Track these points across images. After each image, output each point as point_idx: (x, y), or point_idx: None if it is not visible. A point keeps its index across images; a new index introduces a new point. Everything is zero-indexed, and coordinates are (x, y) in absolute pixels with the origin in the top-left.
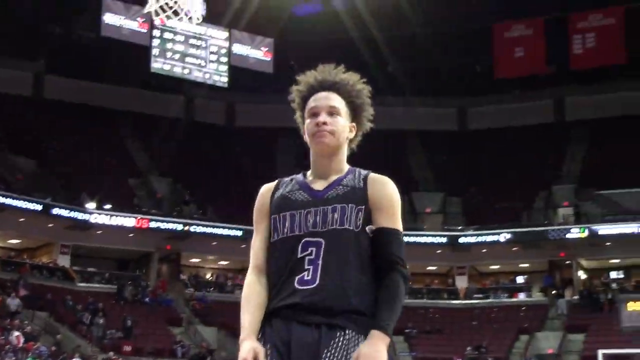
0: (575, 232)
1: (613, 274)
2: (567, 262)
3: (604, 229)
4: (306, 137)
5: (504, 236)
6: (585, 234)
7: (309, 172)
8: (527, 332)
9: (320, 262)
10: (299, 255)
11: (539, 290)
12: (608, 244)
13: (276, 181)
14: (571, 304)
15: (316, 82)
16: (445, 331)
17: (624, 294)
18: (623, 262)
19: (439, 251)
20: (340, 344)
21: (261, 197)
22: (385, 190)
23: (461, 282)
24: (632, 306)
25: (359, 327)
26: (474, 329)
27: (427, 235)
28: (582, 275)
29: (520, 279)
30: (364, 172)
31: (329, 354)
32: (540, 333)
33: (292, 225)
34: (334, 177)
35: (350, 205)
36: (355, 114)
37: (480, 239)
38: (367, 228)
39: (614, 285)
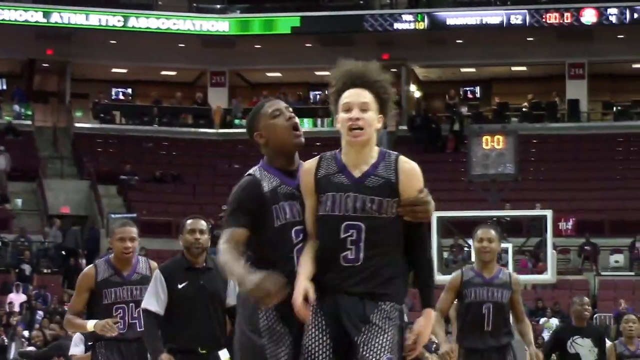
0: (409, 21)
1: (464, 90)
2: (393, 69)
3: (454, 17)
4: (339, 126)
5: (290, 24)
6: (425, 23)
7: (343, 154)
8: None
9: (362, 243)
10: (342, 236)
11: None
12: (460, 41)
13: (317, 159)
14: (396, 138)
15: (349, 78)
16: (187, 179)
17: (480, 124)
18: (481, 71)
19: (181, 45)
20: (382, 311)
21: (304, 176)
22: (414, 181)
23: (218, 98)
24: (489, 142)
25: (395, 298)
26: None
27: (162, 17)
28: (415, 92)
29: (315, 93)
30: (392, 157)
31: (374, 317)
32: None
33: (333, 206)
34: (366, 166)
35: (386, 199)
36: (383, 107)
37: (250, 27)
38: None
39: (464, 110)
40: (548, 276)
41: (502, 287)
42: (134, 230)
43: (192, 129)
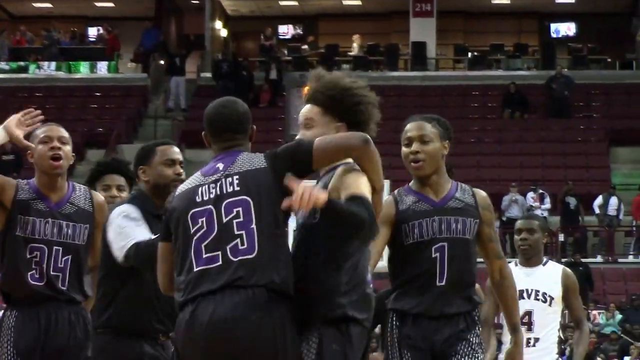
0: None
1: (283, 30)
2: (195, 1)
3: None
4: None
5: None
6: None
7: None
8: (102, 144)
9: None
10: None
11: (132, 59)
12: None
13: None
14: (196, 87)
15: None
16: None
17: (302, 72)
18: (304, 5)
19: None
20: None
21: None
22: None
23: None
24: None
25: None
26: None
27: None
28: (222, 30)
29: (93, 33)
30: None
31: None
32: (132, 146)
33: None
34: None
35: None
36: (336, 112)
37: None
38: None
39: (283, 54)
40: (384, 263)
41: (462, 214)
42: (63, 131)
43: None
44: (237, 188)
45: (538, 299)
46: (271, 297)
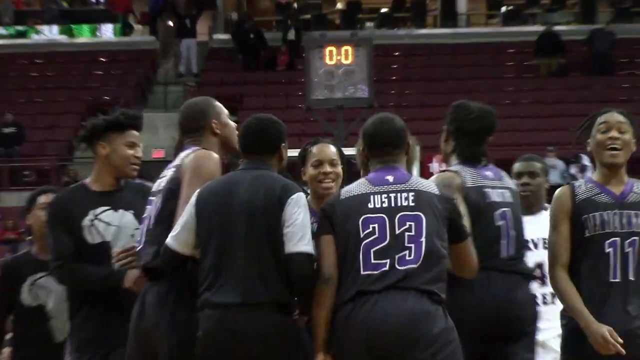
0: None
1: None
2: None
3: None
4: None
5: None
6: None
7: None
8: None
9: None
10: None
11: (138, 20)
12: None
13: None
14: (210, 49)
15: None
16: None
17: (322, 31)
18: None
19: None
20: None
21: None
22: None
23: None
24: (334, 56)
25: None
26: None
27: None
28: None
29: None
30: None
31: None
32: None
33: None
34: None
35: None
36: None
37: None
38: None
39: (301, 11)
40: None
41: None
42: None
43: None
44: (412, 203)
45: (547, 247)
46: (428, 298)
